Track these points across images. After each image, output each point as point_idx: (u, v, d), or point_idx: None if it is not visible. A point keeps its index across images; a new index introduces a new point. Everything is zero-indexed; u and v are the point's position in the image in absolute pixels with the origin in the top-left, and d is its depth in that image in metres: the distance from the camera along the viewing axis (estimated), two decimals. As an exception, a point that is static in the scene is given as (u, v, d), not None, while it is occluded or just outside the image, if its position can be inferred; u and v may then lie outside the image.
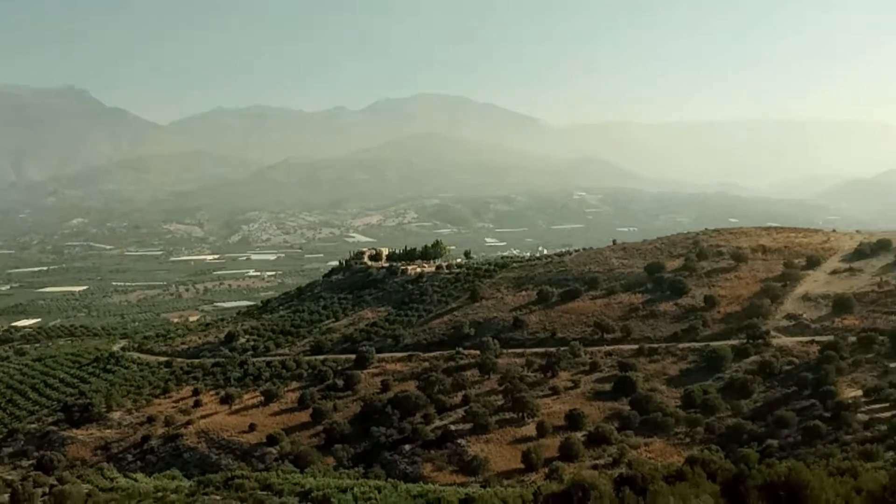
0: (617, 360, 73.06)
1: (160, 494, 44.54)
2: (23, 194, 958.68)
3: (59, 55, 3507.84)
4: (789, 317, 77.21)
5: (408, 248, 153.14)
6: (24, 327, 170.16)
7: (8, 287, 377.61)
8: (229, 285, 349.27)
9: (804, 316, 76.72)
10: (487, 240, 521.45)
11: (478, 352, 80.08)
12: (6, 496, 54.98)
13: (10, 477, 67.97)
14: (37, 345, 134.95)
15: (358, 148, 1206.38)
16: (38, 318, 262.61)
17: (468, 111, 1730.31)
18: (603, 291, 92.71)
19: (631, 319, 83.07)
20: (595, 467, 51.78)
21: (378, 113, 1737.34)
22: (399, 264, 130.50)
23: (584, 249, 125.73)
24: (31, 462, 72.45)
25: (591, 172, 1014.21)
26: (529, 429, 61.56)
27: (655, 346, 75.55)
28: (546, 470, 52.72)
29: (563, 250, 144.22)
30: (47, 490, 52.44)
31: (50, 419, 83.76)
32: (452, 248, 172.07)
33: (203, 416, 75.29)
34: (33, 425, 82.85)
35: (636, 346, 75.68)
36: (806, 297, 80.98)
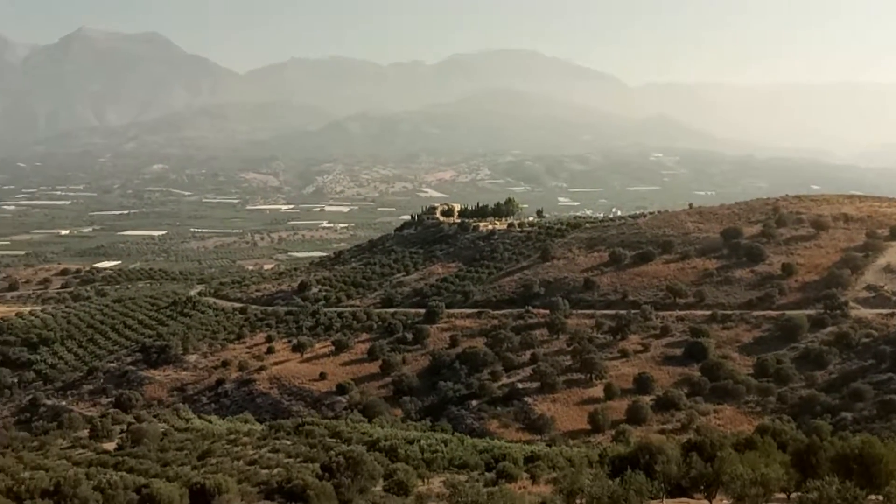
0: (688, 326, 72.25)
1: (233, 437, 45.80)
2: (104, 138, 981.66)
3: (142, 1, 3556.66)
4: (870, 288, 75.21)
5: (480, 205, 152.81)
6: (105, 269, 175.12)
7: (90, 229, 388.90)
8: (303, 235, 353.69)
9: (885, 288, 74.66)
10: (560, 199, 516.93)
11: (547, 311, 79.95)
12: (86, 432, 57.16)
13: (89, 413, 70.68)
14: (117, 286, 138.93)
15: (432, 102, 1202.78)
16: (118, 260, 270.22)
17: (541, 66, 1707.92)
18: (677, 255, 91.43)
19: (704, 285, 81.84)
20: (662, 432, 51.56)
21: (452, 67, 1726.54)
22: (471, 221, 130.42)
23: (658, 212, 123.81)
24: (109, 400, 75.02)
25: (667, 133, 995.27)
26: (597, 390, 61.47)
27: (729, 312, 74.44)
28: (612, 432, 52.71)
29: (638, 212, 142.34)
30: (125, 427, 54.34)
31: (128, 359, 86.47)
32: (525, 206, 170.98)
33: (275, 363, 76.92)
34: (112, 364, 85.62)
35: (709, 312, 74.66)
36: (888, 269, 78.70)
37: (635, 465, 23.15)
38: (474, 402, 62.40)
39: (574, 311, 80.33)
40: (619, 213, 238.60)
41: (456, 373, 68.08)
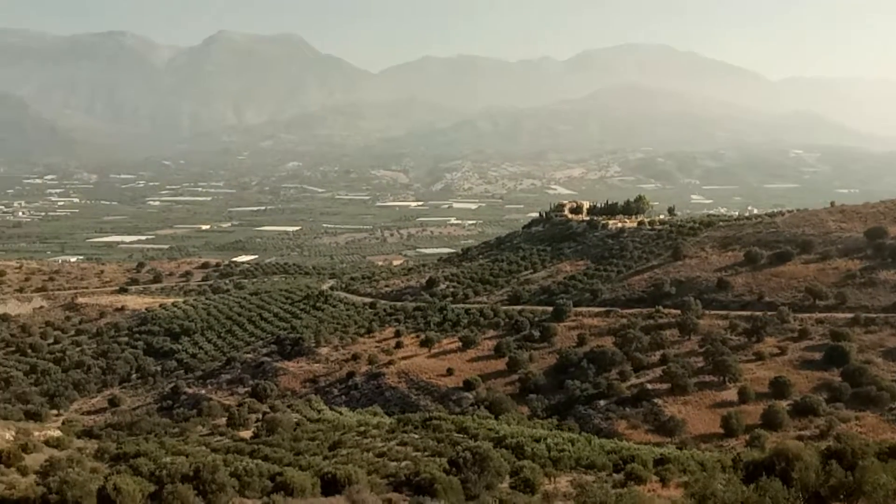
0: (829, 329, 69.20)
1: (363, 429, 46.69)
2: (242, 136, 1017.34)
3: (279, 3, 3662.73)
4: None
5: (609, 203, 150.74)
6: (243, 263, 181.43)
7: (229, 224, 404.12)
8: (431, 232, 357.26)
9: None
10: (693, 197, 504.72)
11: (678, 311, 78.13)
12: (223, 420, 59.42)
13: (227, 402, 73.40)
14: (254, 280, 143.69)
15: (561, 98, 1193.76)
16: (255, 254, 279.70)
17: (672, 61, 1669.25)
18: (817, 256, 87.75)
19: (846, 287, 78.26)
20: (800, 438, 49.56)
21: (581, 63, 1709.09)
22: (599, 218, 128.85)
23: (797, 210, 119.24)
24: (246, 389, 77.58)
25: (809, 129, 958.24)
26: (730, 393, 59.67)
27: (873, 316, 70.89)
28: (746, 437, 51.02)
29: (775, 210, 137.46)
30: (260, 416, 56.22)
31: (264, 350, 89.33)
32: (656, 203, 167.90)
33: (404, 358, 77.92)
34: (249, 355, 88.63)
35: (851, 315, 71.31)
36: None
37: (771, 471, 22.31)
38: (602, 402, 61.59)
39: (706, 312, 78.18)
40: (755, 211, 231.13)
41: (583, 372, 67.36)
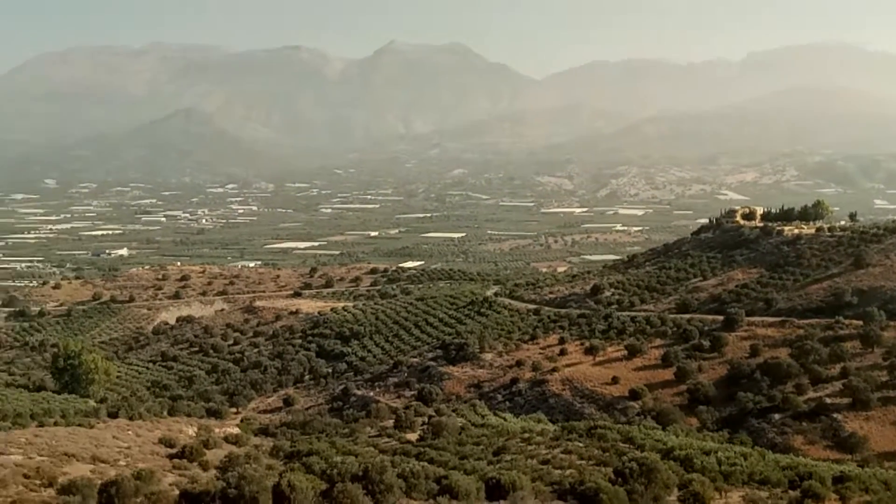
0: None
1: (527, 435, 46.64)
2: (410, 145, 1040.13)
3: (446, 13, 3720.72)
4: None
5: (784, 208, 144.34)
6: (410, 268, 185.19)
7: (396, 231, 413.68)
8: (596, 239, 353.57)
9: None
10: (876, 202, 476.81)
11: (860, 322, 73.92)
12: (390, 422, 60.74)
13: (394, 404, 74.94)
14: (420, 285, 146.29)
15: (732, 101, 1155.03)
16: (421, 260, 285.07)
17: (850, 59, 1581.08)
18: None
19: None
20: None
21: (754, 64, 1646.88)
22: (774, 224, 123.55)
23: None
24: (412, 393, 78.96)
25: None
26: (918, 411, 55.99)
27: None
28: (936, 457, 47.76)
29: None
30: (426, 419, 57.11)
31: (429, 355, 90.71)
32: (836, 209, 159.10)
33: (568, 365, 77.29)
34: (415, 359, 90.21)
35: None
36: None
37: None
38: (776, 416, 59.06)
39: (891, 323, 73.61)
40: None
41: (756, 384, 64.78)
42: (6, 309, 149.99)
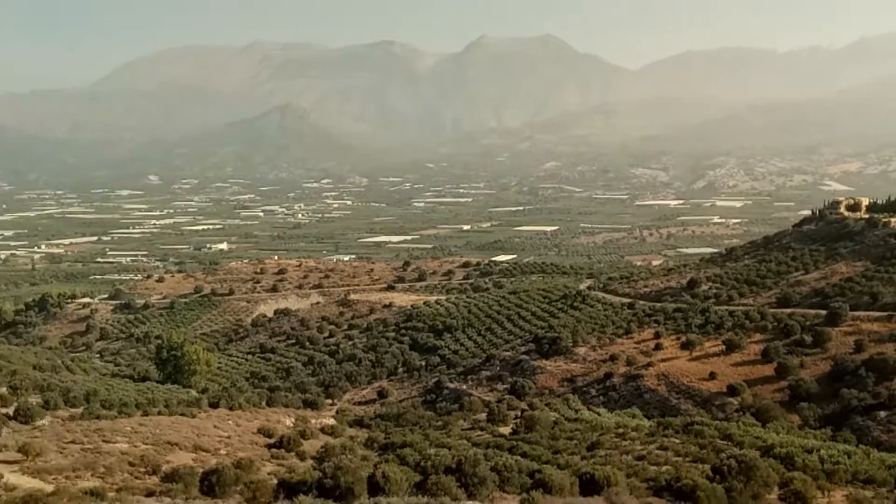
0: None
1: (621, 430, 46.13)
2: (501, 139, 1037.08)
3: (538, 5, 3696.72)
4: None
5: (891, 199, 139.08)
6: (502, 262, 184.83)
7: (489, 224, 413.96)
8: (692, 231, 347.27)
9: None
10: None
11: (974, 317, 70.77)
12: (483, 415, 60.87)
13: (487, 398, 75.07)
14: (512, 279, 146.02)
15: (836, 89, 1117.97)
16: (513, 254, 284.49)
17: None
18: None
19: None
20: None
21: (858, 51, 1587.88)
22: (880, 216, 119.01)
23: None
24: (505, 386, 78.92)
25: None
26: None
27: None
28: None
29: None
30: (519, 413, 57.06)
31: (522, 348, 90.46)
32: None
33: (663, 360, 76.09)
34: (508, 353, 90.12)
35: None
36: None
37: None
38: (882, 413, 56.95)
39: None
40: None
41: (861, 380, 62.59)
42: (113, 301, 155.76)
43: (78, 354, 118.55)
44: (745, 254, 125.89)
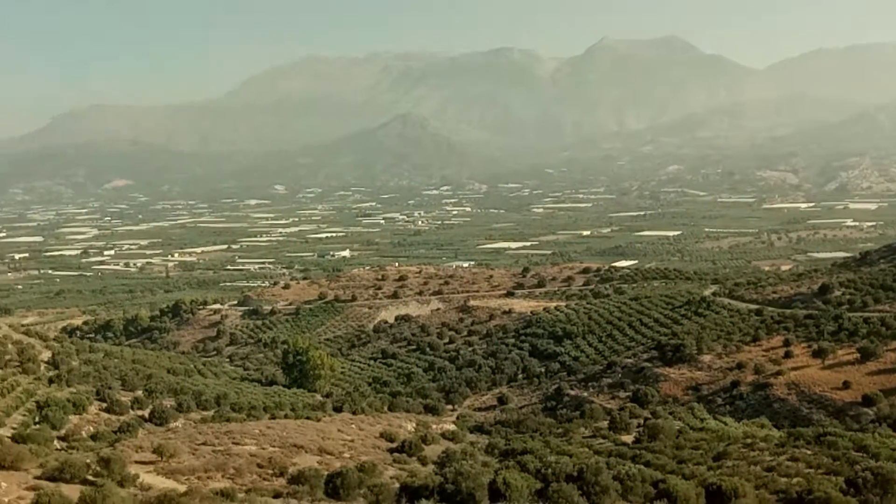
0: None
1: (749, 441, 44.74)
2: (622, 142, 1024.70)
3: (659, 5, 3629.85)
4: None
5: None
6: (623, 268, 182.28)
7: (609, 230, 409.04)
8: (824, 235, 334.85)
9: None
10: None
11: None
12: (605, 423, 60.01)
13: (608, 406, 74.08)
14: (633, 285, 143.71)
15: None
16: (634, 259, 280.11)
17: None
18: None
19: None
20: None
21: None
22: None
23: None
24: (627, 394, 77.69)
25: None
26: None
27: None
28: None
29: None
30: (642, 422, 56.01)
31: (644, 356, 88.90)
32: None
33: (793, 368, 73.46)
34: (630, 360, 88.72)
35: None
36: None
37: None
38: None
39: None
40: None
41: None
42: (241, 308, 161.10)
43: (209, 359, 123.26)
44: (881, 258, 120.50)
